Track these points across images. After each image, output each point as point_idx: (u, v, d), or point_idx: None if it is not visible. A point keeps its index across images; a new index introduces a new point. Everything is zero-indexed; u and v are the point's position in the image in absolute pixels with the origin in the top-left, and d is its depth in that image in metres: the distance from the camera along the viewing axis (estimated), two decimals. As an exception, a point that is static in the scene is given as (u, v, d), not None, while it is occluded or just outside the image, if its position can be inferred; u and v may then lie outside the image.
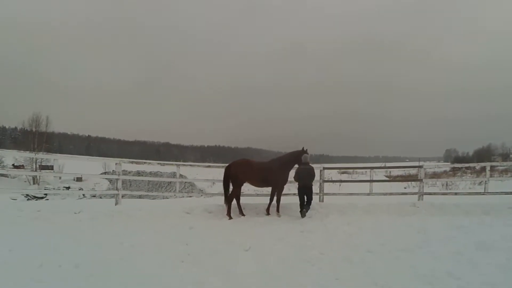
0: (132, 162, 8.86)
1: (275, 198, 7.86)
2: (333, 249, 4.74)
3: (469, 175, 37.08)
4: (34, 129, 42.37)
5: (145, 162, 9.51)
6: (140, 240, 5.00)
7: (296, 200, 7.82)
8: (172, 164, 9.38)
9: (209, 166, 9.87)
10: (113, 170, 8.15)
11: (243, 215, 7.60)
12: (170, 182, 34.35)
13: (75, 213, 6.57)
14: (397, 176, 45.68)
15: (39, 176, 36.84)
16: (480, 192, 9.39)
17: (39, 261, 3.77)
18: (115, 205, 7.76)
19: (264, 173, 7.76)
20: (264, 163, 8.14)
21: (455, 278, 3.58)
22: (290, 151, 8.22)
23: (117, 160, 8.02)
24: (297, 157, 7.98)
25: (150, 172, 44.41)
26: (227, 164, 7.99)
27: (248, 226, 6.51)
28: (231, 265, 4.02)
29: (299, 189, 7.67)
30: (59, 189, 29.42)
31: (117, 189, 7.94)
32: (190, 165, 11.13)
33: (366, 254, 4.46)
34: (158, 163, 10.27)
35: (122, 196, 8.15)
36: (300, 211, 7.45)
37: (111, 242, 4.86)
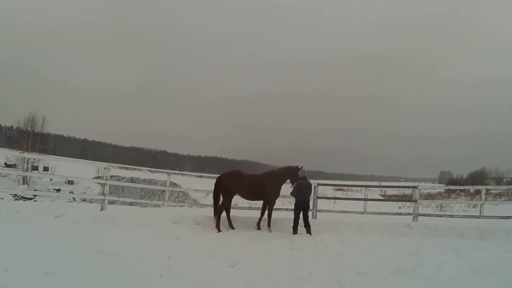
0: (121, 168, 8.64)
1: (266, 212, 7.64)
2: (323, 269, 4.52)
3: (463, 197, 37.07)
4: (29, 129, 41.87)
5: (135, 169, 9.28)
6: (120, 249, 4.75)
7: (288, 215, 7.59)
8: (163, 172, 9.15)
9: (200, 176, 9.67)
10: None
11: (233, 228, 7.36)
12: (163, 191, 33.82)
13: (56, 216, 6.29)
14: (392, 195, 45.49)
15: (30, 177, 36.12)
16: (476, 216, 9.22)
17: (6, 266, 3.53)
18: (101, 210, 7.50)
19: (255, 186, 7.55)
20: (256, 175, 7.95)
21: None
22: (284, 166, 8.07)
23: (106, 164, 7.80)
24: (291, 172, 7.80)
25: (144, 179, 43.69)
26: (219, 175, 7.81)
27: (237, 240, 6.28)
28: (215, 281, 3.80)
29: (296, 204, 7.39)
30: (48, 191, 28.77)
31: (103, 194, 7.69)
32: (181, 173, 10.91)
33: (357, 277, 4.25)
34: (148, 170, 10.05)
35: (113, 202, 7.89)
36: (293, 227, 7.22)
37: (89, 249, 4.62)
